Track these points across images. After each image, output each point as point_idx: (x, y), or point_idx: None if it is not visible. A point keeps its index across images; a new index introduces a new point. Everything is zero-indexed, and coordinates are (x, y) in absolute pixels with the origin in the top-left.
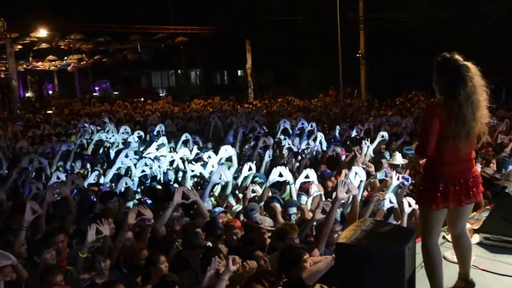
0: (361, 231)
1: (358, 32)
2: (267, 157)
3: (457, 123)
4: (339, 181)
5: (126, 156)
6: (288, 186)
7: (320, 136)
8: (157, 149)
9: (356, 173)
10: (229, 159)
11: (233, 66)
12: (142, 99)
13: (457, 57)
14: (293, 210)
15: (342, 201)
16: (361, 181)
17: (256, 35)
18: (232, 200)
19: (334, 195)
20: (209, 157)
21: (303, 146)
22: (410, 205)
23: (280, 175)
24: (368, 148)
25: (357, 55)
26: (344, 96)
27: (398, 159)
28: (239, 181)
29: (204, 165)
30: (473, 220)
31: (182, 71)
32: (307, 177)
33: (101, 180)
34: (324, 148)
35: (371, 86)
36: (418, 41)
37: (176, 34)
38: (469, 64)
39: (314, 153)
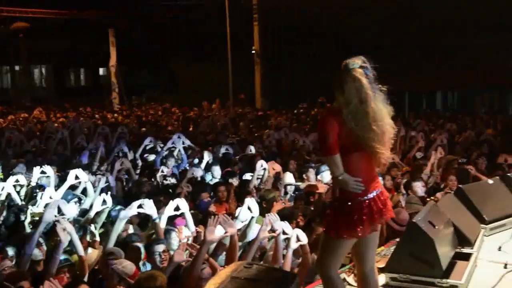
0: (231, 278)
1: (251, 23)
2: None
3: (356, 135)
4: (210, 220)
5: None
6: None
7: (208, 157)
8: None
9: (248, 207)
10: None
11: (93, 62)
12: None
13: (355, 60)
14: (160, 248)
15: None
16: (252, 217)
17: (124, 24)
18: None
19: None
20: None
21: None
22: (298, 239)
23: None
24: (265, 172)
25: (252, 52)
26: (235, 103)
27: (289, 178)
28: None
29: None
30: (379, 256)
31: (21, 68)
32: (177, 209)
33: None
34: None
35: (268, 91)
36: (329, 36)
37: (12, 18)
38: (366, 67)
39: (198, 178)
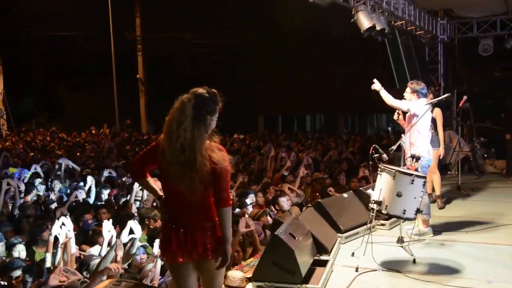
0: None
1: (136, 53)
2: None
3: (166, 160)
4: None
5: None
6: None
7: (91, 180)
8: None
9: (130, 229)
10: None
11: None
12: None
13: (198, 89)
14: (17, 272)
15: None
16: (134, 239)
17: (10, 52)
18: None
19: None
20: None
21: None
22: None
23: None
24: (143, 192)
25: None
26: (123, 128)
27: None
28: None
29: None
30: (248, 267)
31: None
32: (63, 225)
33: None
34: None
35: (152, 116)
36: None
37: None
38: (202, 97)
39: (80, 199)
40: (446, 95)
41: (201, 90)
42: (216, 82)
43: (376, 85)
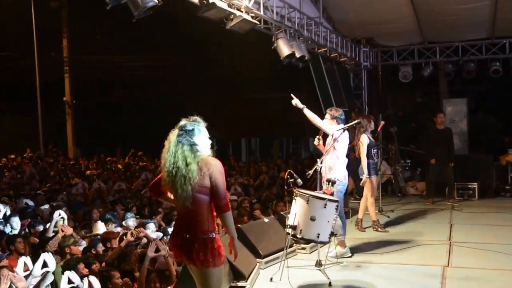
0: None
1: (63, 75)
2: None
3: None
4: (2, 276)
5: None
6: None
7: (4, 208)
8: None
9: (44, 261)
10: None
11: None
12: None
13: (185, 120)
14: None
15: None
16: (47, 272)
17: None
18: None
19: None
20: None
21: None
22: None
23: None
24: (64, 221)
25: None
26: (48, 153)
27: (101, 228)
28: None
29: None
30: None
31: None
32: None
33: None
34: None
35: (81, 141)
36: (141, 90)
37: None
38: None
39: None
40: (356, 121)
41: (183, 122)
42: (149, 104)
43: (298, 103)
